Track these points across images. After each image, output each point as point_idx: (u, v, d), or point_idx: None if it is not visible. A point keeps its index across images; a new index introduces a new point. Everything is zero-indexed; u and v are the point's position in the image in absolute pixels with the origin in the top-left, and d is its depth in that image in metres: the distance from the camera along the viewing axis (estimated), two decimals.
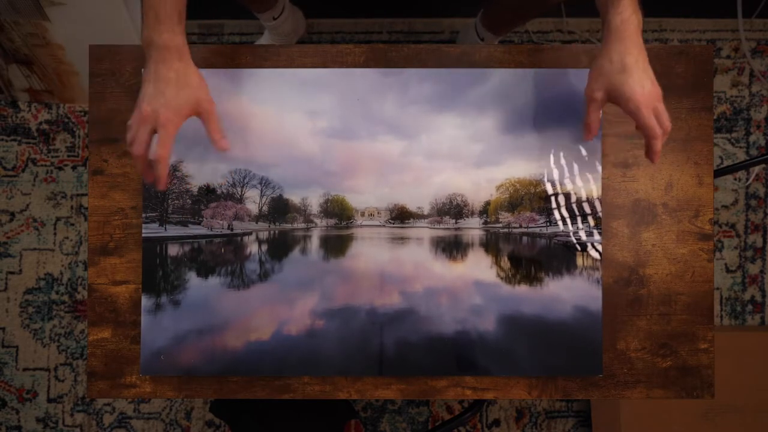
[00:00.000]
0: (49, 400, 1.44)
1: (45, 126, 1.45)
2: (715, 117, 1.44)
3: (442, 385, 0.81)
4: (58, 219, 1.44)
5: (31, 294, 1.44)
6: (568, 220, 0.83)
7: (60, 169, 1.45)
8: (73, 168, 1.45)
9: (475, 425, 1.44)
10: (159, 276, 0.81)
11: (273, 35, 1.34)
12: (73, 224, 1.44)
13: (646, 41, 1.52)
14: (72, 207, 1.45)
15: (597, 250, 0.82)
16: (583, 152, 0.82)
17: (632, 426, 1.19)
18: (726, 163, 1.45)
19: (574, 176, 0.83)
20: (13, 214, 1.44)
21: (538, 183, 0.83)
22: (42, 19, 1.24)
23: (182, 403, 1.43)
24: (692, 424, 1.20)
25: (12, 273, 1.44)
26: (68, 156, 1.45)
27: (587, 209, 0.82)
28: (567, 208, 0.83)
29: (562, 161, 0.82)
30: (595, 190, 0.82)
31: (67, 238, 1.44)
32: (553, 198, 0.83)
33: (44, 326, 1.43)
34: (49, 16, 1.23)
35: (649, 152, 0.70)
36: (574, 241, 0.82)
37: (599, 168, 0.82)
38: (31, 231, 1.44)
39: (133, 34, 1.26)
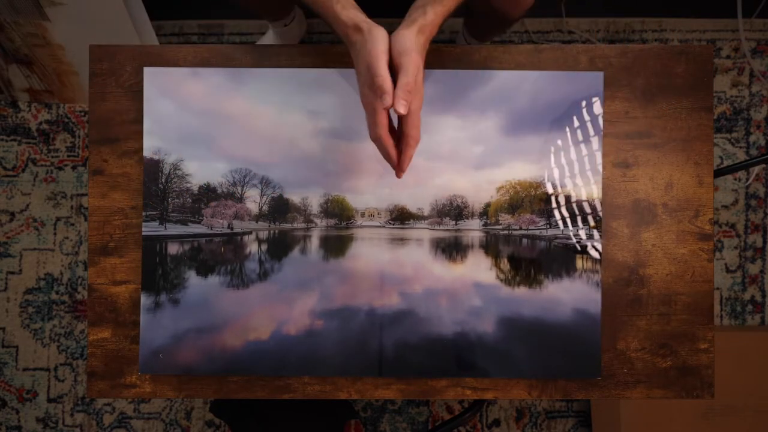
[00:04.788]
0: (49, 400, 1.44)
1: (45, 126, 1.45)
2: (715, 117, 1.44)
3: (442, 385, 0.81)
4: (58, 219, 1.44)
5: (31, 294, 1.44)
6: (569, 222, 0.83)
7: (60, 169, 1.45)
8: (73, 168, 1.45)
9: (475, 425, 1.44)
10: (158, 274, 0.81)
11: (279, 39, 1.35)
12: (73, 224, 1.44)
13: (645, 41, 1.52)
14: (72, 207, 1.45)
15: (597, 251, 0.82)
16: (584, 153, 0.82)
17: (632, 426, 1.19)
18: (726, 163, 1.45)
19: (574, 177, 0.83)
20: (13, 214, 1.44)
21: (539, 185, 0.82)
22: (42, 19, 1.24)
23: (182, 403, 1.43)
24: (692, 424, 1.20)
25: (12, 273, 1.44)
26: (68, 156, 1.45)
27: (587, 210, 0.82)
28: (567, 210, 0.83)
29: (563, 162, 0.82)
30: (595, 191, 0.82)
31: (67, 238, 1.44)
32: (553, 199, 0.83)
33: (44, 326, 1.44)
34: (49, 16, 1.23)
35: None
36: (575, 242, 0.82)
37: (600, 169, 0.82)
38: (31, 231, 1.44)
39: (133, 34, 1.27)
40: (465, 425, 1.44)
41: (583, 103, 0.82)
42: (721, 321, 1.45)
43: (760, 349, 1.22)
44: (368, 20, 0.71)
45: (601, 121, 0.82)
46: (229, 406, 1.14)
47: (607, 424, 1.26)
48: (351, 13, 0.71)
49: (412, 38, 0.68)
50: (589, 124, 0.82)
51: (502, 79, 0.82)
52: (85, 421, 1.43)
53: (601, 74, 0.81)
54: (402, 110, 0.65)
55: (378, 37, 0.68)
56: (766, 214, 1.45)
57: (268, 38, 1.37)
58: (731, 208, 1.45)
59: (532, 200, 0.83)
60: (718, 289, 1.45)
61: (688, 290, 0.82)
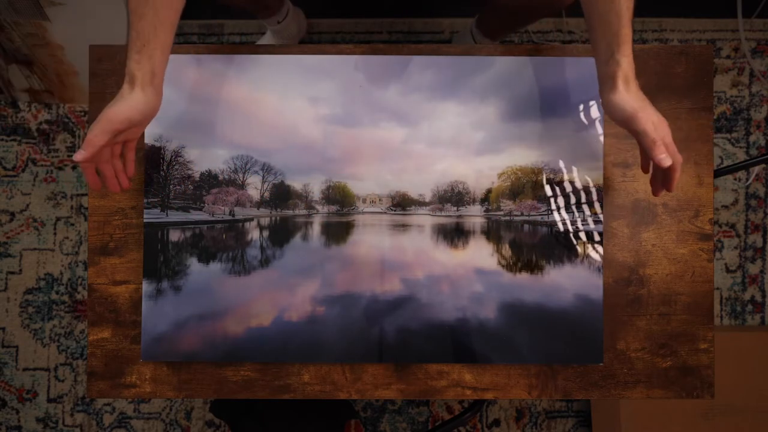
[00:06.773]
0: (49, 400, 1.44)
1: (45, 126, 1.45)
2: (715, 117, 1.44)
3: (442, 385, 0.81)
4: (58, 219, 1.44)
5: (31, 294, 1.44)
6: (573, 208, 0.82)
7: (60, 169, 1.45)
8: (73, 168, 1.45)
9: (475, 425, 1.44)
10: (160, 261, 0.81)
11: (277, 38, 1.34)
12: (73, 224, 1.44)
13: (645, 41, 1.52)
14: (72, 207, 1.45)
15: (599, 235, 0.82)
16: (586, 137, 0.82)
17: (632, 426, 1.19)
18: (726, 163, 1.45)
19: (575, 164, 0.82)
20: (13, 214, 1.44)
21: (540, 171, 0.82)
22: (42, 19, 1.24)
23: (182, 403, 1.43)
24: (692, 424, 1.20)
25: (12, 273, 1.44)
26: (68, 156, 1.45)
27: (589, 197, 0.82)
28: (569, 196, 0.82)
29: (564, 148, 0.82)
30: (596, 177, 0.82)
31: (67, 238, 1.44)
32: (555, 186, 0.83)
33: (44, 326, 1.44)
34: (49, 16, 1.23)
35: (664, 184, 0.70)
36: (578, 228, 0.82)
37: (601, 154, 0.82)
38: (31, 231, 1.44)
39: None
40: (465, 425, 1.44)
41: (584, 87, 0.82)
42: (721, 321, 1.45)
43: (760, 349, 1.22)
44: (147, 83, 0.66)
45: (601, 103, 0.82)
46: (229, 406, 1.14)
47: (607, 424, 1.26)
48: (132, 65, 0.66)
49: (627, 98, 0.66)
50: (590, 109, 0.82)
51: (503, 65, 0.83)
52: (85, 421, 1.43)
53: None
54: (667, 162, 0.66)
55: (127, 102, 0.65)
56: (766, 214, 1.45)
57: (267, 38, 1.37)
58: (731, 208, 1.45)
59: (534, 186, 0.83)
60: (718, 289, 1.45)
61: (688, 290, 0.82)
